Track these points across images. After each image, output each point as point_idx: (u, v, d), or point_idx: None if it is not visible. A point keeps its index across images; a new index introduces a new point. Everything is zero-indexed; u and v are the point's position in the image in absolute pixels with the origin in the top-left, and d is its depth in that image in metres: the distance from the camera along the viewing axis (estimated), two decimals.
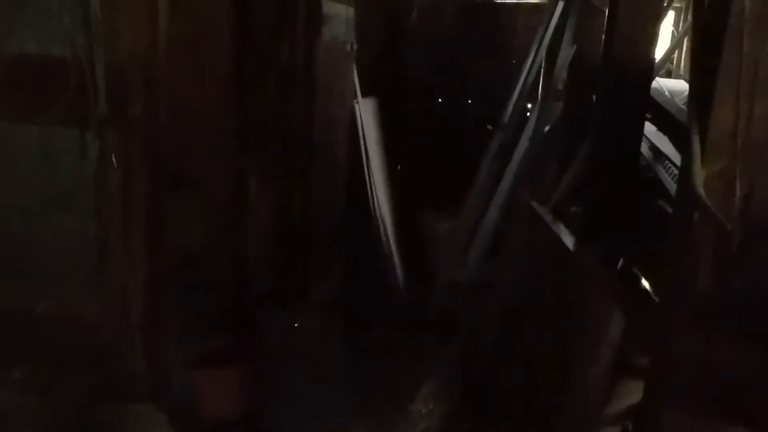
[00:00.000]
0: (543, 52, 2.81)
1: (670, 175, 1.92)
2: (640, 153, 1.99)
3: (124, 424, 1.68)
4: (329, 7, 2.61)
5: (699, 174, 1.16)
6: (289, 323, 2.20)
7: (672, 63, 3.66)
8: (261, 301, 2.30)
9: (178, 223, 1.81)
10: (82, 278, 1.67)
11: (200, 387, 2.02)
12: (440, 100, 3.67)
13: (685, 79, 3.09)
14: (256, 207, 2.33)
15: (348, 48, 2.77)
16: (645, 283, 1.81)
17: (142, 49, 1.58)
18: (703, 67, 1.21)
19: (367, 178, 2.87)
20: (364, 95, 2.87)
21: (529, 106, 2.98)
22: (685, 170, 1.20)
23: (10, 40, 1.58)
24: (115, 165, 1.56)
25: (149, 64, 1.60)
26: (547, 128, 2.71)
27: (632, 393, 1.53)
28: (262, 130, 2.32)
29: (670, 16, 4.02)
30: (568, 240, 2.05)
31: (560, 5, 2.76)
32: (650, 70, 1.96)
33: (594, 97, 2.15)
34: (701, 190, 1.14)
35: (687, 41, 3.38)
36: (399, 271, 2.95)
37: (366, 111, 2.90)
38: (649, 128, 2.14)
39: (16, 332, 1.66)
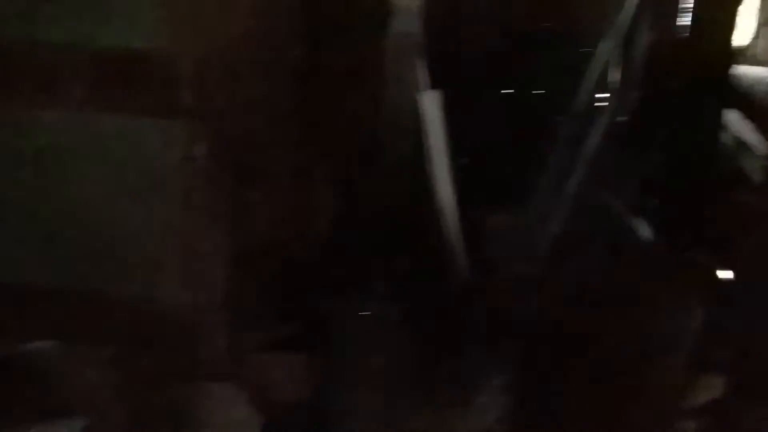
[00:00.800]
0: (618, 39, 2.74)
1: (753, 164, 1.86)
2: (720, 142, 1.93)
3: (206, 402, 1.76)
4: None
5: None
6: (354, 313, 2.23)
7: (754, 49, 3.50)
8: (327, 290, 2.34)
9: (252, 212, 1.87)
10: (166, 263, 1.75)
11: (270, 371, 2.08)
12: (508, 90, 3.63)
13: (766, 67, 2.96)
14: (322, 198, 2.38)
15: (414, 40, 2.78)
16: (724, 275, 1.76)
17: (224, 42, 1.64)
18: None
19: (430, 170, 2.88)
20: (429, 88, 2.88)
21: (603, 95, 2.92)
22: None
23: (102, 35, 1.67)
24: (199, 155, 1.63)
25: (230, 57, 1.66)
26: (622, 118, 2.65)
27: (712, 388, 1.50)
28: (329, 122, 2.36)
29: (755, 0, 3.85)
30: (644, 233, 2.01)
31: None
32: (732, 56, 1.90)
33: (673, 84, 2.09)
34: None
35: None
36: (463, 265, 2.94)
37: (431, 103, 2.90)
38: (731, 116, 2.07)
39: (105, 313, 1.76)
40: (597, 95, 2.91)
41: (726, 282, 1.71)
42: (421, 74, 2.77)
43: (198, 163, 1.67)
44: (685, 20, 1.98)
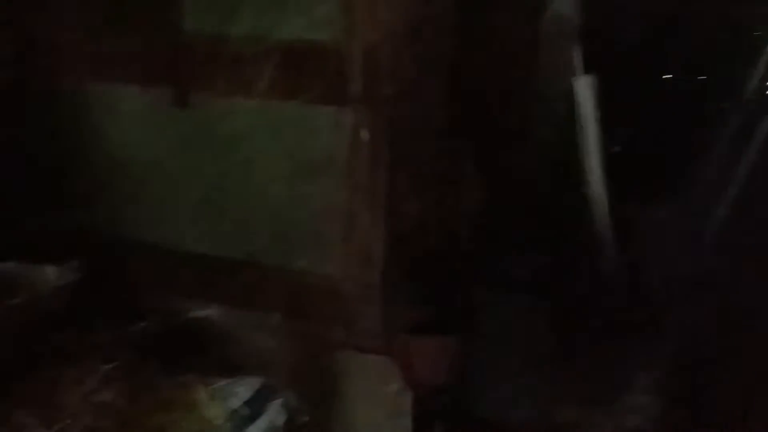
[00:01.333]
0: None
1: None
2: None
3: (362, 373, 1.88)
4: None
5: None
6: (501, 302, 2.25)
7: None
8: (469, 277, 2.38)
9: (409, 196, 1.95)
10: (329, 240, 1.88)
11: (420, 350, 2.16)
12: (667, 76, 3.45)
13: None
14: (469, 185, 2.41)
15: (571, 23, 2.73)
16: None
17: (389, 34, 1.72)
18: None
19: (583, 159, 2.82)
20: (585, 72, 2.81)
21: None
22: None
23: (279, 28, 1.81)
24: (365, 140, 1.73)
25: (395, 48, 1.74)
26: None
27: None
28: (482, 107, 2.38)
29: None
30: None
31: None
32: None
33: None
34: None
35: None
36: (613, 259, 2.86)
37: (585, 89, 2.83)
38: None
39: (274, 284, 1.93)
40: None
41: None
42: (576, 58, 2.71)
43: (363, 147, 1.77)
44: None
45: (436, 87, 2.19)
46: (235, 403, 1.78)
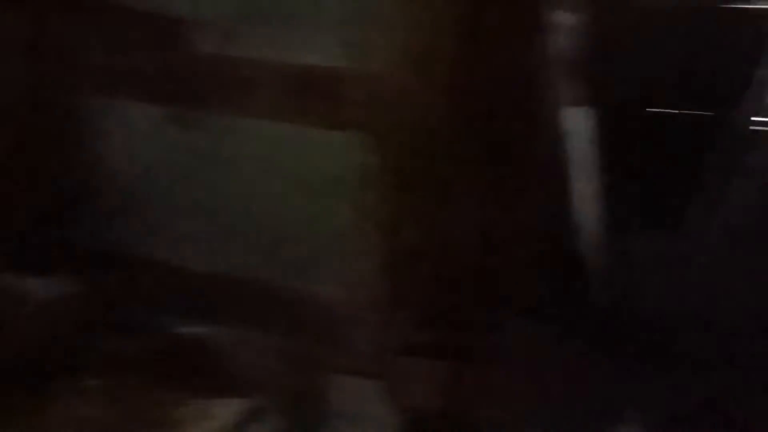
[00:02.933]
0: None
1: None
2: None
3: (355, 395, 1.88)
4: (552, 16, 2.65)
5: None
6: (496, 327, 2.26)
7: None
8: (468, 303, 2.39)
9: (411, 219, 1.97)
10: (326, 261, 1.89)
11: (409, 375, 2.15)
12: (661, 108, 3.51)
13: None
14: (467, 211, 2.43)
15: (568, 57, 2.78)
16: None
17: (396, 60, 1.75)
18: None
19: (575, 188, 2.85)
20: (579, 104, 2.86)
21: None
22: None
23: (284, 51, 1.84)
24: (367, 165, 1.75)
25: (401, 74, 1.77)
26: None
27: None
28: (479, 138, 2.42)
29: None
30: None
31: None
32: None
33: None
34: None
35: None
36: (608, 288, 2.88)
37: (578, 120, 2.88)
38: None
39: (270, 304, 1.93)
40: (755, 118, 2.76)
41: None
42: (572, 90, 2.76)
43: (366, 172, 1.79)
44: None
45: (443, 113, 2.21)
46: (225, 423, 1.77)
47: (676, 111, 3.49)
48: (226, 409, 1.82)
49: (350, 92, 1.80)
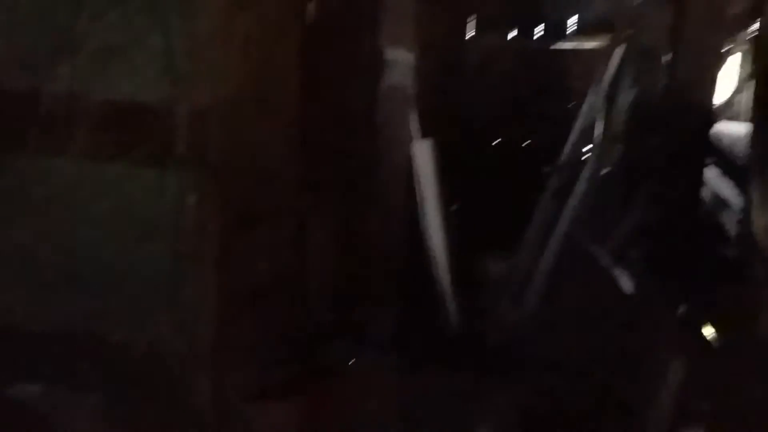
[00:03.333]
0: (602, 95, 2.84)
1: (731, 220, 1.91)
2: (701, 197, 1.99)
3: None
4: (389, 53, 2.74)
5: (759, 218, 1.16)
6: (346, 359, 2.23)
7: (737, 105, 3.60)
8: (320, 336, 2.36)
9: (245, 259, 1.90)
10: (154, 309, 1.77)
11: (260, 419, 2.07)
12: (497, 142, 3.73)
13: (748, 123, 3.05)
14: (316, 245, 2.41)
15: (407, 93, 2.87)
16: (707, 330, 1.79)
17: (219, 96, 1.70)
18: (765, 111, 1.23)
19: (422, 218, 2.93)
20: (421, 137, 2.95)
21: (588, 148, 3.00)
22: (745, 215, 1.21)
23: (101, 86, 1.73)
24: (191, 204, 1.67)
25: (226, 110, 1.72)
26: (605, 170, 2.72)
27: None
28: (324, 173, 2.41)
29: (737, 57, 3.95)
30: (627, 285, 2.05)
31: (620, 50, 2.79)
32: (711, 113, 1.97)
33: (654, 140, 2.16)
34: (760, 235, 1.15)
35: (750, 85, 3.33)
36: (454, 312, 2.97)
37: (422, 153, 2.98)
38: (710, 173, 2.14)
39: (95, 359, 1.77)
40: (582, 147, 3.00)
41: (707, 336, 1.74)
42: (414, 124, 2.85)
43: (191, 211, 1.71)
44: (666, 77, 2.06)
45: (281, 151, 2.18)
46: None
47: (510, 142, 3.73)
48: None
49: (176, 128, 1.72)
